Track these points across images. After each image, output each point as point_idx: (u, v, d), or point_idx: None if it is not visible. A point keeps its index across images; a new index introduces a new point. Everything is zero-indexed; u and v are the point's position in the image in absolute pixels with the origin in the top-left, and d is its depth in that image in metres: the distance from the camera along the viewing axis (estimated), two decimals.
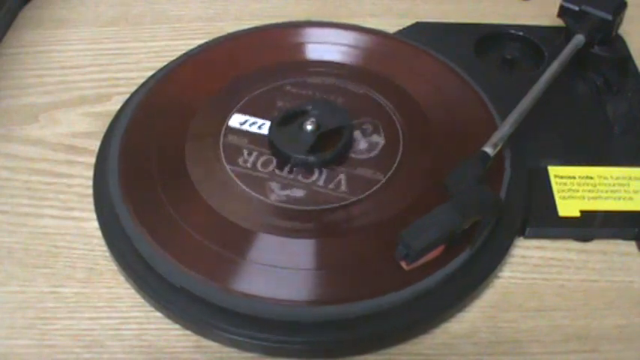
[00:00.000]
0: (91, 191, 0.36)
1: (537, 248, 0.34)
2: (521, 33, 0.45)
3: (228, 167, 0.35)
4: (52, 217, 0.36)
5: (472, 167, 0.32)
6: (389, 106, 0.38)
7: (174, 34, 0.47)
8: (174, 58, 0.42)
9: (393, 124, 0.37)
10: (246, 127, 0.36)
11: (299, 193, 0.34)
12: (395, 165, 0.35)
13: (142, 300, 0.32)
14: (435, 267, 0.31)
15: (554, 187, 0.36)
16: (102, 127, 0.39)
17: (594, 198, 0.35)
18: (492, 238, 0.33)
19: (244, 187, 0.34)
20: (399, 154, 0.36)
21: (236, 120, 0.34)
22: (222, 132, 0.37)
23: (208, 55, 0.42)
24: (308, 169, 0.35)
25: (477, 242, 0.32)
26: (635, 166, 0.37)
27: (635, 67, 0.43)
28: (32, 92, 0.42)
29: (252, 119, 0.35)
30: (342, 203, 0.34)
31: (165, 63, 0.42)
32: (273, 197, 0.34)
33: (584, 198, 0.35)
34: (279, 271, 0.31)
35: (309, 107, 0.37)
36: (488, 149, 0.33)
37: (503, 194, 0.34)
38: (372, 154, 0.36)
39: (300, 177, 0.35)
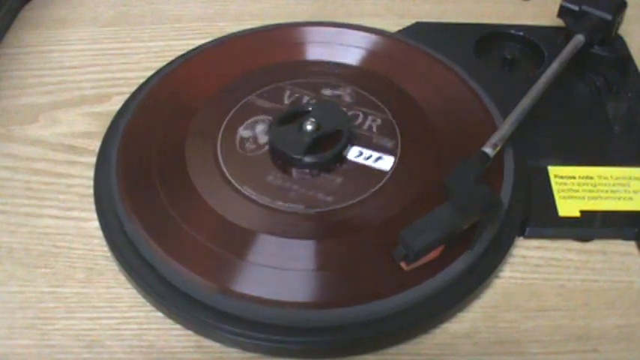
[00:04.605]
0: (91, 191, 0.36)
1: (537, 248, 0.34)
2: (521, 33, 0.45)
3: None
4: (52, 217, 0.36)
5: (472, 167, 0.32)
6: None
7: (175, 34, 0.47)
8: (174, 58, 0.43)
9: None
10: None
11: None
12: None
13: (142, 300, 0.32)
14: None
15: (554, 187, 0.36)
16: (102, 127, 0.39)
17: (594, 198, 0.35)
18: (492, 238, 0.33)
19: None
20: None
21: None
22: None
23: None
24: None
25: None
26: (635, 166, 0.37)
27: (635, 67, 0.43)
28: (32, 92, 0.42)
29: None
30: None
31: (165, 63, 0.42)
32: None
33: (584, 198, 0.35)
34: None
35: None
36: (488, 149, 0.33)
37: (503, 194, 0.34)
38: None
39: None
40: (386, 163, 0.35)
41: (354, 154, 0.36)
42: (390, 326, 0.30)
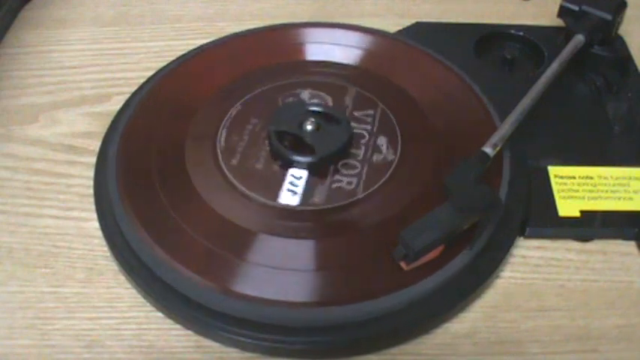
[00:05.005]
0: (91, 191, 0.36)
1: (537, 248, 0.34)
2: (521, 33, 0.45)
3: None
4: (52, 217, 0.36)
5: (472, 167, 0.32)
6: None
7: (175, 34, 0.47)
8: (174, 58, 0.43)
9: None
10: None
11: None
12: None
13: (142, 300, 0.32)
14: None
15: (554, 187, 0.36)
16: (102, 127, 0.39)
17: (594, 198, 0.35)
18: (492, 238, 0.33)
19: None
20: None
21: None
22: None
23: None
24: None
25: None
26: (635, 166, 0.37)
27: (635, 67, 0.43)
28: (32, 92, 0.42)
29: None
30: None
31: (165, 63, 0.42)
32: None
33: (584, 198, 0.35)
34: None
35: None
36: (488, 149, 0.33)
37: (503, 194, 0.34)
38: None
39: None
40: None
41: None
42: (391, 326, 0.30)
